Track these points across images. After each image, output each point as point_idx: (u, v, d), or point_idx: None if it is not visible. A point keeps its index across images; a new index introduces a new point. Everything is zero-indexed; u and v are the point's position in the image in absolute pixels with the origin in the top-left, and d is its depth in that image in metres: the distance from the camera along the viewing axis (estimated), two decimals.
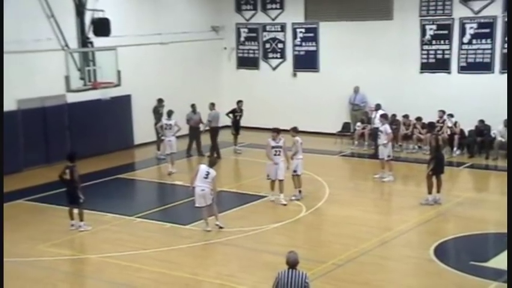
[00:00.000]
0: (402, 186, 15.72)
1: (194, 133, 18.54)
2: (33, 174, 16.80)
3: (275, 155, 13.77)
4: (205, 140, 18.69)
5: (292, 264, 7.02)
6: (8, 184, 15.57)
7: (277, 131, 14.00)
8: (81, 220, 12.54)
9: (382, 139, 15.68)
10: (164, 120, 17.03)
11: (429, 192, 13.65)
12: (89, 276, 10.50)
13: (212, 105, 18.56)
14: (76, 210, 12.61)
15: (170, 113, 17.06)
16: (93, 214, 13.27)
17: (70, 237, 12.21)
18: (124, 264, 10.78)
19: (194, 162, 18.02)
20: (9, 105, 16.70)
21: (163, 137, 17.10)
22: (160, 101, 18.61)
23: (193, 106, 18.63)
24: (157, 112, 18.34)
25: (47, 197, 14.77)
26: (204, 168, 12.21)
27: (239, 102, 19.21)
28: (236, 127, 19.17)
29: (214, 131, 18.23)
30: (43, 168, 17.29)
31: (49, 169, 17.24)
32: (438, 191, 13.73)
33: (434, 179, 13.68)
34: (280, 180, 13.79)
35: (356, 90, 20.17)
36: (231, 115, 19.22)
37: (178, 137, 17.33)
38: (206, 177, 12.08)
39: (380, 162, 15.85)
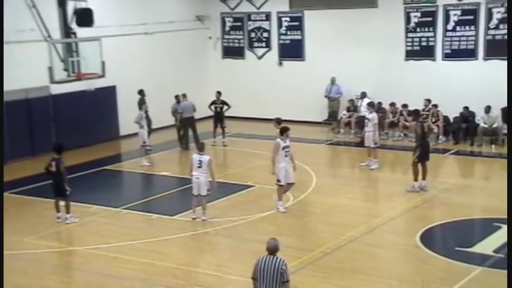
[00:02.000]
0: (389, 174, 15.80)
1: (183, 123, 18.36)
2: (18, 166, 16.66)
3: (286, 156, 12.42)
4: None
5: (271, 250, 7.13)
6: None
7: (286, 130, 12.55)
8: (67, 212, 12.47)
9: (369, 127, 15.72)
10: (142, 113, 16.89)
11: (415, 179, 13.75)
12: (77, 268, 10.47)
13: (183, 96, 18.37)
14: (62, 203, 12.53)
15: (141, 105, 17.04)
16: (80, 206, 13.19)
17: (57, 230, 12.14)
18: (112, 256, 10.75)
19: (180, 153, 18.00)
20: None
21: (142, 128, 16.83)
22: (141, 92, 18.38)
23: (177, 97, 18.51)
24: (143, 103, 18.11)
25: (33, 189, 14.67)
26: (195, 157, 12.25)
27: (218, 93, 18.85)
28: (218, 119, 18.70)
29: (185, 122, 18.12)
30: (29, 160, 17.14)
31: (35, 161, 17.10)
32: (424, 178, 13.83)
33: (419, 166, 13.77)
34: (291, 184, 12.70)
35: (333, 81, 20.11)
36: (212, 107, 18.96)
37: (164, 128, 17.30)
38: (200, 166, 12.12)
39: (367, 150, 15.92)
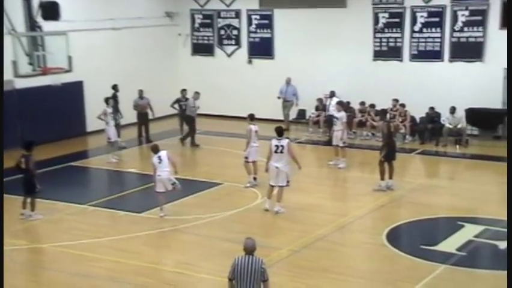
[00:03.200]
0: (356, 173, 15.99)
1: (142, 119, 18.28)
2: None
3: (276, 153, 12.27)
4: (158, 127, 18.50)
5: (249, 250, 7.12)
6: None
7: (280, 130, 12.58)
8: (32, 210, 12.30)
9: (338, 126, 15.88)
10: (107, 109, 16.76)
11: (382, 179, 13.97)
12: (44, 266, 10.33)
13: (140, 92, 18.31)
14: (28, 199, 12.34)
15: (107, 100, 16.90)
16: (45, 203, 13.01)
17: (23, 227, 11.96)
18: (79, 254, 10.64)
19: (145, 149, 17.87)
20: None
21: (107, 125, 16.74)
22: (115, 87, 18.20)
23: (140, 91, 18.41)
24: (114, 98, 17.87)
25: None
26: (154, 159, 12.28)
27: (183, 90, 18.52)
28: (183, 117, 18.34)
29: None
30: None
31: None
32: (390, 177, 14.05)
33: (386, 166, 13.99)
34: (281, 187, 12.51)
35: (288, 82, 20.06)
36: (176, 105, 18.66)
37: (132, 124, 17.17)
38: (160, 162, 12.12)
39: (335, 149, 16.09)
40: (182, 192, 13.47)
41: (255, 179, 14.23)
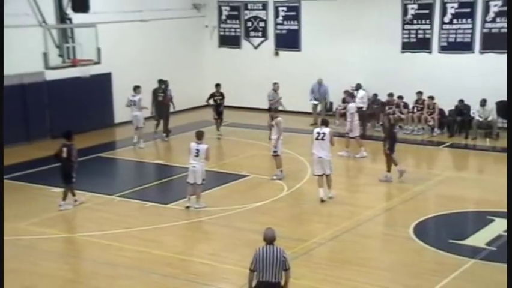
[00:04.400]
0: (383, 166, 15.79)
1: (162, 111, 18.14)
2: (12, 152, 16.53)
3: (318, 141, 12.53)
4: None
5: (269, 240, 7.13)
6: None
7: (325, 122, 12.90)
8: (64, 199, 12.47)
9: (348, 117, 15.99)
10: (130, 96, 17.00)
11: (390, 170, 13.91)
12: (71, 255, 10.45)
13: (165, 83, 18.18)
14: (56, 189, 12.51)
15: (136, 89, 17.05)
16: (75, 193, 13.15)
17: (51, 216, 12.10)
18: (106, 243, 10.74)
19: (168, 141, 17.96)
20: None
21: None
22: (161, 82, 18.06)
23: (165, 82, 18.35)
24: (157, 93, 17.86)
25: (27, 175, 14.62)
26: (193, 146, 12.17)
27: (217, 85, 18.36)
28: (217, 112, 18.29)
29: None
30: (23, 146, 17.07)
31: (29, 147, 17.08)
32: (388, 170, 13.95)
33: (389, 155, 13.91)
34: (328, 175, 12.69)
35: (320, 82, 19.75)
36: (210, 101, 18.61)
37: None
38: (197, 155, 12.05)
39: (355, 140, 16.05)
40: (209, 184, 13.53)
41: (281, 171, 14.17)
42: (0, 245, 8.35)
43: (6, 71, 16.70)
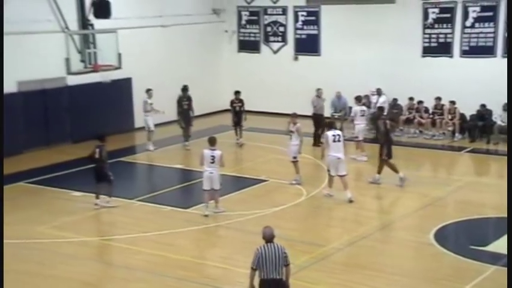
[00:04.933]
0: (402, 171, 15.60)
1: (189, 118, 18.05)
2: (33, 156, 16.77)
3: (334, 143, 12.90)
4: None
5: (268, 238, 7.40)
6: (8, 166, 15.50)
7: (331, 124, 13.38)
8: (110, 196, 12.72)
9: (357, 120, 16.13)
10: (146, 99, 17.24)
11: (397, 172, 13.90)
12: (89, 258, 10.49)
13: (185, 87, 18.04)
14: (100, 189, 12.75)
15: (149, 91, 17.25)
16: (93, 196, 13.18)
17: (71, 219, 12.18)
18: (124, 247, 10.77)
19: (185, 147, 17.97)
20: (9, 87, 16.57)
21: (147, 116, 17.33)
22: (185, 90, 17.83)
23: (184, 87, 18.25)
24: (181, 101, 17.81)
25: (47, 179, 14.75)
26: (207, 153, 12.02)
27: (237, 93, 18.03)
28: (237, 119, 17.90)
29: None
30: (43, 150, 17.26)
31: (49, 151, 17.25)
32: (379, 172, 13.97)
33: (391, 161, 13.98)
34: (342, 176, 12.99)
35: (339, 96, 18.86)
36: (231, 108, 18.32)
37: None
38: (212, 161, 11.96)
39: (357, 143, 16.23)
40: (227, 188, 13.50)
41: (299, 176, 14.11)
42: (0, 245, 8.38)
43: (29, 76, 16.96)
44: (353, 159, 15.82)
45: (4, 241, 10.69)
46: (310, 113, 17.81)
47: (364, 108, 16.96)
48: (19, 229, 11.57)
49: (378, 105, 18.33)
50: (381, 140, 14.15)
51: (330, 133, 12.99)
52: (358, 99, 16.89)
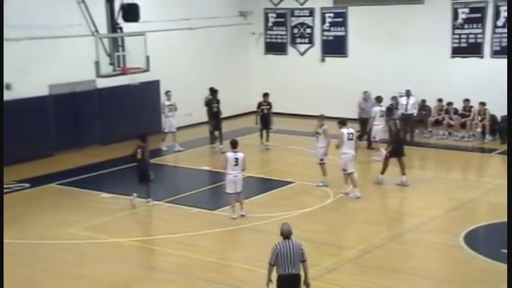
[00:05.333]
0: (431, 173, 15.52)
1: (218, 121, 18.08)
2: (64, 158, 17.06)
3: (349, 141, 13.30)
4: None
5: (286, 234, 7.69)
6: (40, 168, 15.92)
7: (343, 120, 13.62)
8: (149, 196, 13.03)
9: (381, 122, 16.07)
10: (165, 101, 17.69)
11: (382, 173, 13.96)
12: (119, 259, 10.63)
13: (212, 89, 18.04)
14: (144, 188, 13.08)
15: (167, 93, 17.72)
16: (123, 198, 13.43)
17: (101, 221, 12.37)
18: (152, 248, 10.91)
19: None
20: (41, 91, 16.96)
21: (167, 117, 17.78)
22: (214, 92, 17.85)
23: (211, 89, 18.28)
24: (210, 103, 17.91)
25: (78, 181, 14.99)
26: (231, 156, 12.03)
27: (265, 95, 17.71)
28: (264, 121, 17.62)
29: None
30: (74, 152, 17.54)
31: (80, 153, 17.53)
32: (403, 173, 13.92)
33: (397, 162, 13.94)
34: (351, 173, 13.23)
35: (367, 98, 18.60)
36: (259, 110, 18.02)
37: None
38: (236, 164, 11.97)
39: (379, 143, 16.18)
40: (254, 190, 13.55)
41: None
42: (1, 245, 8.44)
43: (60, 79, 17.28)
44: (374, 160, 15.87)
45: (36, 242, 10.99)
46: (356, 116, 17.88)
47: (384, 108, 16.80)
48: (51, 230, 11.80)
49: (408, 106, 18.22)
50: (391, 140, 14.22)
51: (344, 131, 13.17)
52: (378, 99, 16.84)
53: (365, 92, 17.96)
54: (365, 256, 10.36)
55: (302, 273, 7.64)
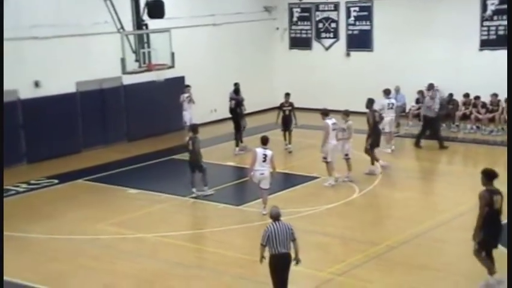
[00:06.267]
0: (459, 167, 15.37)
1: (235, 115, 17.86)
2: (91, 154, 17.30)
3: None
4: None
5: (275, 216, 8.21)
6: (68, 164, 16.17)
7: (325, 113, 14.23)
8: (205, 185, 13.37)
9: (390, 114, 16.24)
10: (184, 94, 18.12)
11: (374, 163, 14.48)
12: (146, 255, 10.77)
13: (236, 85, 17.85)
14: (198, 178, 13.44)
15: (186, 87, 18.23)
16: (149, 194, 13.61)
17: (128, 217, 12.53)
18: (179, 244, 11.00)
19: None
20: (68, 88, 17.23)
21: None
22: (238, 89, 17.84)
23: (235, 85, 18.24)
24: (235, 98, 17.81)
25: (105, 177, 15.20)
26: (260, 151, 11.99)
27: (287, 95, 17.18)
28: (285, 123, 17.10)
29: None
30: (101, 149, 17.78)
31: (107, 150, 17.77)
32: (372, 163, 14.41)
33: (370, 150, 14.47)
34: (330, 162, 13.92)
35: (397, 90, 18.82)
36: (280, 111, 17.55)
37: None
38: (264, 160, 11.91)
39: (388, 135, 16.31)
40: (279, 186, 13.58)
41: (336, 180, 14.01)
42: (0, 246, 8.48)
43: (87, 76, 17.52)
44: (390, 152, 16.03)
45: (65, 237, 11.20)
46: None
47: (393, 101, 16.82)
48: (79, 225, 12.01)
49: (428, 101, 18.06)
50: (369, 131, 14.48)
51: (329, 122, 13.75)
52: (386, 92, 16.81)
53: (432, 88, 17.49)
54: (392, 252, 10.32)
55: (292, 252, 8.22)
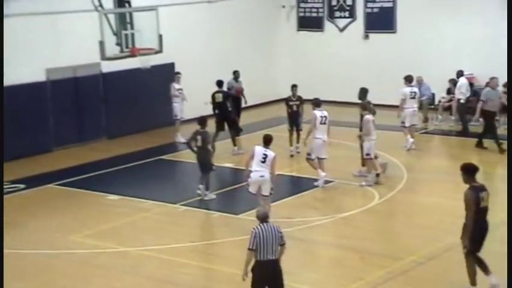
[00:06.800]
0: (499, 170, 15.24)
1: (235, 104, 18.05)
2: (65, 154, 17.27)
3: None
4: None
5: (262, 218, 8.26)
6: (38, 166, 16.10)
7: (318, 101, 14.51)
8: (207, 189, 13.29)
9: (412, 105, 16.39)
10: (175, 85, 18.06)
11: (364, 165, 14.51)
12: (127, 271, 10.70)
13: (236, 73, 18.15)
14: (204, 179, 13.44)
15: (176, 75, 18.23)
16: (132, 201, 13.56)
17: (106, 227, 12.46)
18: (166, 258, 10.94)
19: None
20: (37, 76, 17.14)
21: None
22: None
23: (235, 73, 18.45)
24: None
25: (81, 180, 15.14)
26: (259, 150, 11.78)
27: (293, 87, 16.74)
28: (292, 121, 16.68)
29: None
30: (76, 147, 17.74)
31: (83, 148, 17.70)
32: (363, 165, 14.38)
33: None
34: (323, 159, 14.15)
35: (420, 82, 18.74)
36: (286, 106, 17.27)
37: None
38: (264, 161, 11.70)
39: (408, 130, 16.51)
40: (285, 190, 13.49)
41: (377, 175, 14.05)
42: (0, 246, 8.60)
43: (58, 63, 17.43)
44: (407, 150, 16.33)
45: (33, 251, 11.09)
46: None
47: (415, 89, 16.74)
48: (49, 237, 11.93)
49: (455, 90, 18.00)
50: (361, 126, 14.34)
51: (318, 113, 13.91)
52: (408, 79, 16.80)
53: (493, 79, 17.01)
54: (418, 268, 10.27)
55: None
